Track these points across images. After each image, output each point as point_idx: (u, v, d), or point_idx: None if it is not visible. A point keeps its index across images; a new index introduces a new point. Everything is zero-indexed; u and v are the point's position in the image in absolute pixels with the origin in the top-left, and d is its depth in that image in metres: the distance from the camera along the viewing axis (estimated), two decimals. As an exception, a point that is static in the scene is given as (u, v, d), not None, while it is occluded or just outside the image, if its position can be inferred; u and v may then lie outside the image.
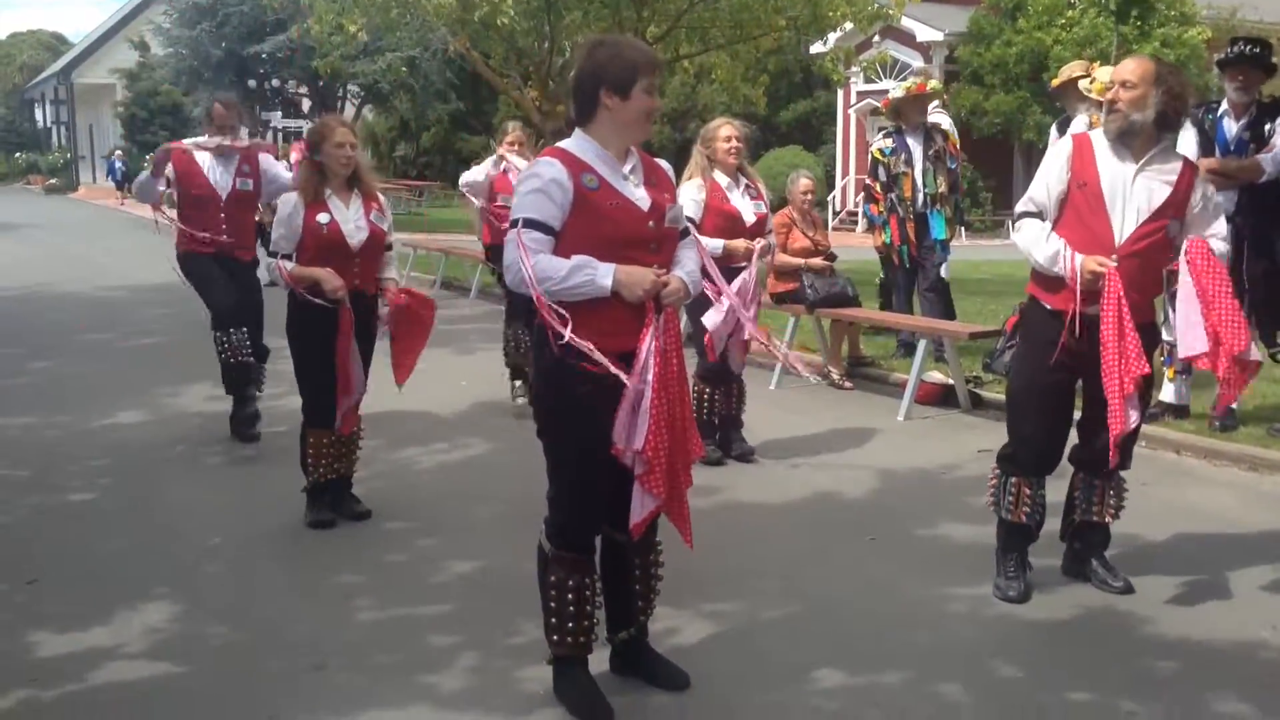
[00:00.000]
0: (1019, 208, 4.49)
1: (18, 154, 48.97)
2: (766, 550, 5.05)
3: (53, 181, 42.54)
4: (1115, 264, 4.12)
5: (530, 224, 3.32)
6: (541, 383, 3.54)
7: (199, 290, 6.87)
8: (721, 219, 6.06)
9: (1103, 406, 4.22)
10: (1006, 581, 4.48)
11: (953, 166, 8.70)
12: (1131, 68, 4.26)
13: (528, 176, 3.41)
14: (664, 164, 3.66)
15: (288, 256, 5.17)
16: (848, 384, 8.34)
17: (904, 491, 5.92)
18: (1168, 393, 6.90)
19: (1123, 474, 4.54)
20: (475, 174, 7.71)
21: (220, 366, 6.89)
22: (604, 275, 3.29)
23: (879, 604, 4.44)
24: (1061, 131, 7.54)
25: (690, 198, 5.97)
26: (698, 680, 3.71)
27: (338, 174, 5.22)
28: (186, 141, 6.97)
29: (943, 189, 8.58)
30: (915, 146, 8.60)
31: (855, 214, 10.87)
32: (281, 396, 7.23)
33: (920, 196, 8.56)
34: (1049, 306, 4.33)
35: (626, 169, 3.45)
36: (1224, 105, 6.64)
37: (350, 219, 5.22)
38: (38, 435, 7.16)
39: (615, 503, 3.45)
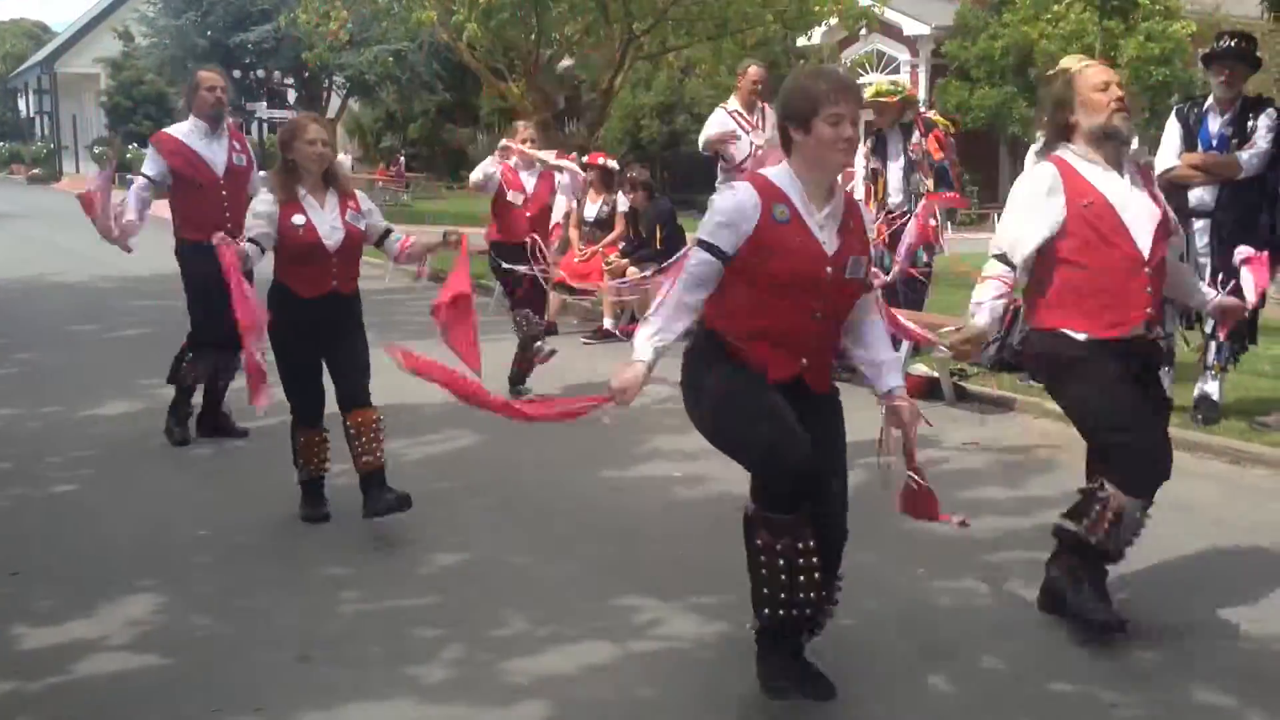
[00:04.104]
0: (993, 249, 4.06)
1: (0, 144, 48.65)
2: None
3: (35, 171, 42.24)
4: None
5: (705, 245, 3.36)
6: (696, 378, 3.54)
7: (190, 297, 6.53)
8: None
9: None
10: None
11: (933, 162, 8.61)
12: (1110, 70, 4.02)
13: (720, 196, 3.41)
14: (867, 213, 3.62)
15: (255, 242, 5.07)
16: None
17: (887, 484, 5.92)
18: None
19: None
20: (484, 167, 7.77)
21: (173, 370, 6.64)
22: (637, 355, 3.35)
23: (862, 596, 4.44)
24: None
25: None
26: (684, 672, 3.72)
27: (311, 172, 5.12)
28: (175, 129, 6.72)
29: (928, 184, 8.50)
30: (892, 143, 8.57)
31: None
32: (270, 385, 7.18)
33: (897, 194, 8.52)
34: (1079, 336, 3.94)
35: (824, 211, 3.38)
36: (1209, 101, 6.67)
37: (326, 220, 5.13)
38: (21, 426, 7.13)
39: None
